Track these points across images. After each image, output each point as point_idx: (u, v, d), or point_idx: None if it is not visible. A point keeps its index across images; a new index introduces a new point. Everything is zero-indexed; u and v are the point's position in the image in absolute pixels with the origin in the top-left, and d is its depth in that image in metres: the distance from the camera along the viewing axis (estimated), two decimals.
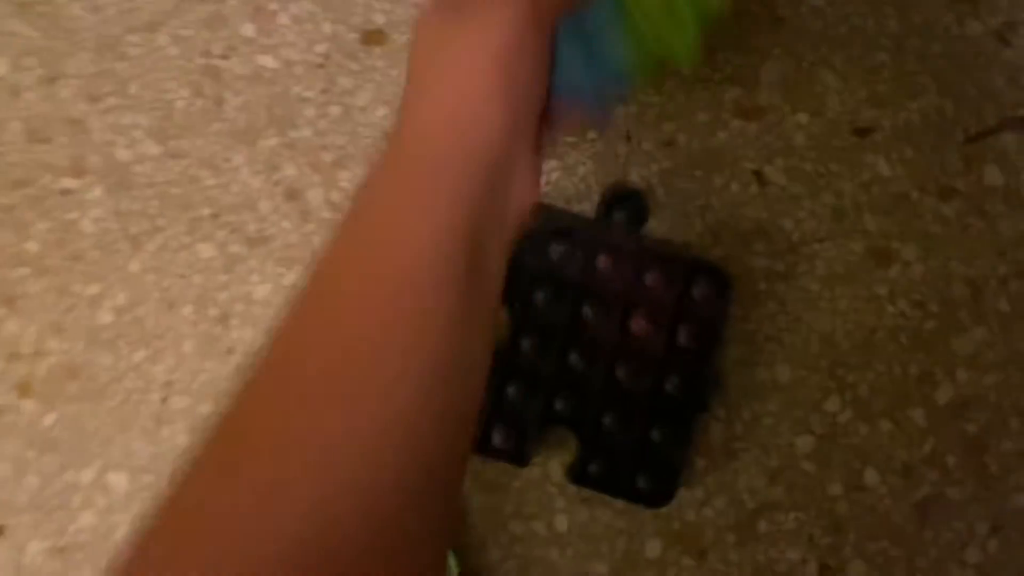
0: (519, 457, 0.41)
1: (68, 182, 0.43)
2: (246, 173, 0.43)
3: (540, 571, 0.42)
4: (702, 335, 0.42)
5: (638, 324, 0.42)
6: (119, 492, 0.42)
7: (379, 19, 0.43)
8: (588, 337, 0.42)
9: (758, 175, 0.44)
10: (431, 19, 0.28)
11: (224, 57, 0.43)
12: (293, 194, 0.43)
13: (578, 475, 0.41)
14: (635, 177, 0.43)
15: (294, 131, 0.43)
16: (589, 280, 0.42)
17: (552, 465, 0.42)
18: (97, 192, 0.43)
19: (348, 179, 0.43)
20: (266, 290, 0.43)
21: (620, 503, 0.42)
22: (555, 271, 0.42)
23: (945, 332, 0.44)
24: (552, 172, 0.43)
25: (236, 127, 0.43)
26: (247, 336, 0.42)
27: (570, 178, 0.43)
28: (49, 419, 0.42)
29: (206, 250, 0.43)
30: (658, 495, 0.42)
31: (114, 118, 0.43)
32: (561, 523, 0.42)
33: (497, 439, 0.41)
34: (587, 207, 0.43)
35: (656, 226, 0.43)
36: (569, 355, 0.42)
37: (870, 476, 0.43)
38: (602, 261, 0.42)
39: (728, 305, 0.42)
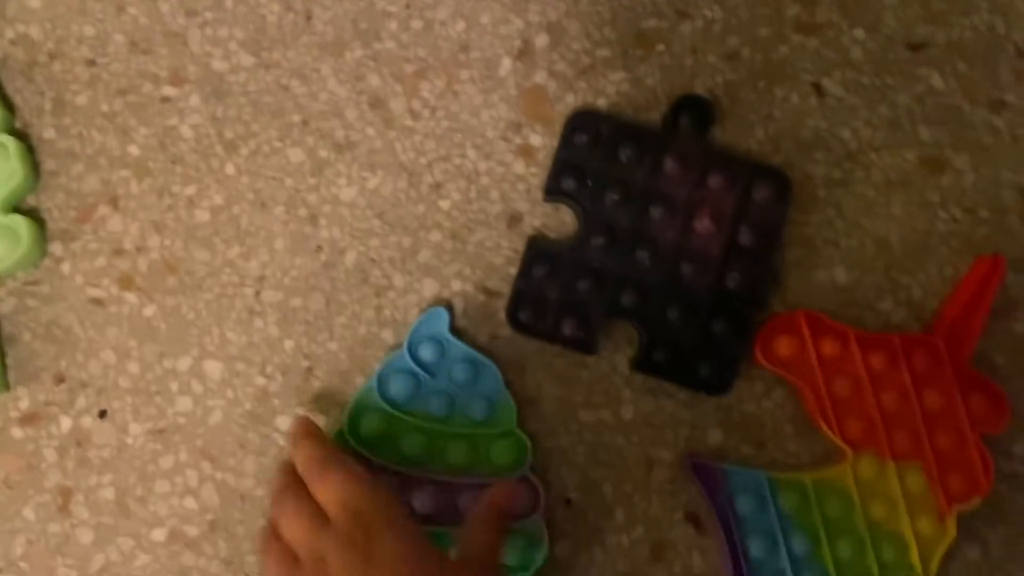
0: (588, 346, 0.44)
1: (168, 90, 0.46)
2: (333, 83, 0.46)
3: (608, 456, 0.44)
4: (762, 235, 0.44)
5: (701, 224, 0.44)
6: (214, 379, 0.45)
7: None
8: (654, 236, 0.44)
9: (817, 87, 0.46)
10: None
11: None
12: (377, 103, 0.46)
13: (643, 364, 0.44)
14: (700, 88, 0.46)
15: (378, 43, 0.46)
16: (655, 183, 0.44)
17: (619, 358, 0.45)
18: (195, 100, 0.46)
19: (428, 89, 0.46)
20: (352, 192, 0.45)
21: (683, 394, 0.45)
22: (624, 174, 0.44)
23: (995, 236, 0.46)
24: (621, 83, 0.46)
25: (324, 40, 0.46)
26: (335, 235, 0.45)
27: (638, 89, 0.46)
28: (149, 310, 0.45)
29: (296, 154, 0.46)
30: (718, 383, 0.44)
31: (211, 31, 0.46)
32: (627, 412, 0.45)
33: (567, 329, 0.44)
34: (655, 116, 0.46)
35: (720, 135, 0.46)
36: (636, 253, 0.44)
37: None
38: (668, 165, 0.44)
39: (787, 207, 0.44)
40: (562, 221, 0.45)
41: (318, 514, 0.35)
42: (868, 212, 0.46)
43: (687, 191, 0.44)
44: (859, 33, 0.46)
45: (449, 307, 0.45)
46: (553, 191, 0.44)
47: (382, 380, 0.44)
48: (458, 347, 0.44)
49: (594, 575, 0.44)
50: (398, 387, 0.43)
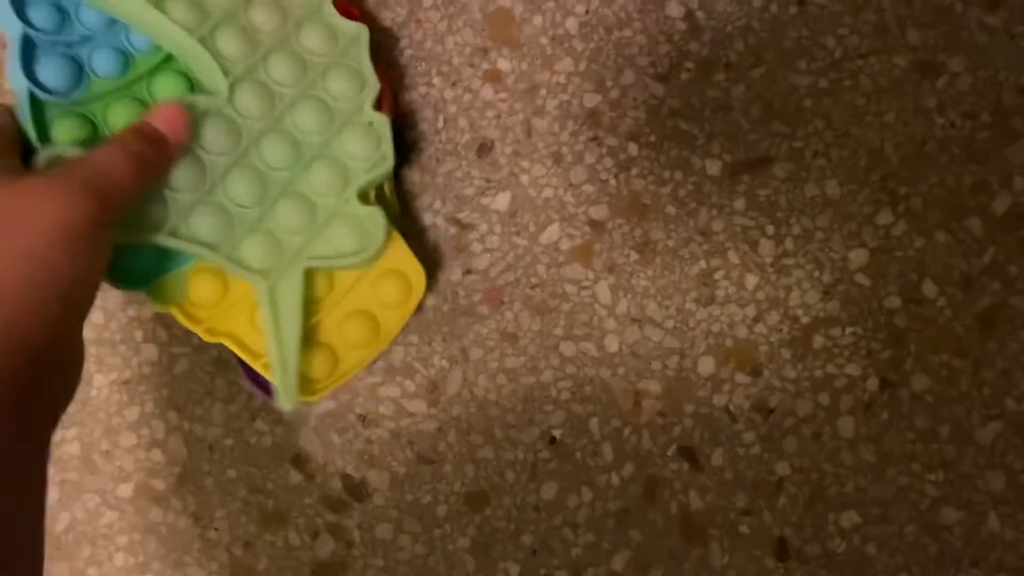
0: None
1: None
2: None
3: (593, 391, 0.42)
4: None
5: None
6: (180, 326, 0.43)
7: None
8: None
9: None
10: None
11: None
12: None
13: None
14: (675, 3, 0.44)
15: None
16: None
17: (600, 287, 0.42)
18: None
19: (391, 18, 0.44)
20: None
21: (670, 322, 0.42)
22: None
23: (998, 141, 0.43)
24: (591, 1, 0.44)
25: None
26: None
27: (609, 7, 0.44)
28: None
29: None
30: None
31: None
32: (612, 343, 0.42)
33: None
34: (627, 33, 0.44)
35: (698, 49, 0.43)
36: None
37: (928, 288, 0.42)
38: None
39: None
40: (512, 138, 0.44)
41: None
42: (859, 122, 0.43)
43: None
44: None
45: None
46: None
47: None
48: None
49: (583, 517, 0.41)
50: (52, 74, 0.35)
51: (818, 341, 0.42)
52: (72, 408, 0.42)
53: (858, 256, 0.42)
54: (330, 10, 0.38)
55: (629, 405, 0.42)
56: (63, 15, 0.35)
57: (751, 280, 0.42)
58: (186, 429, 0.42)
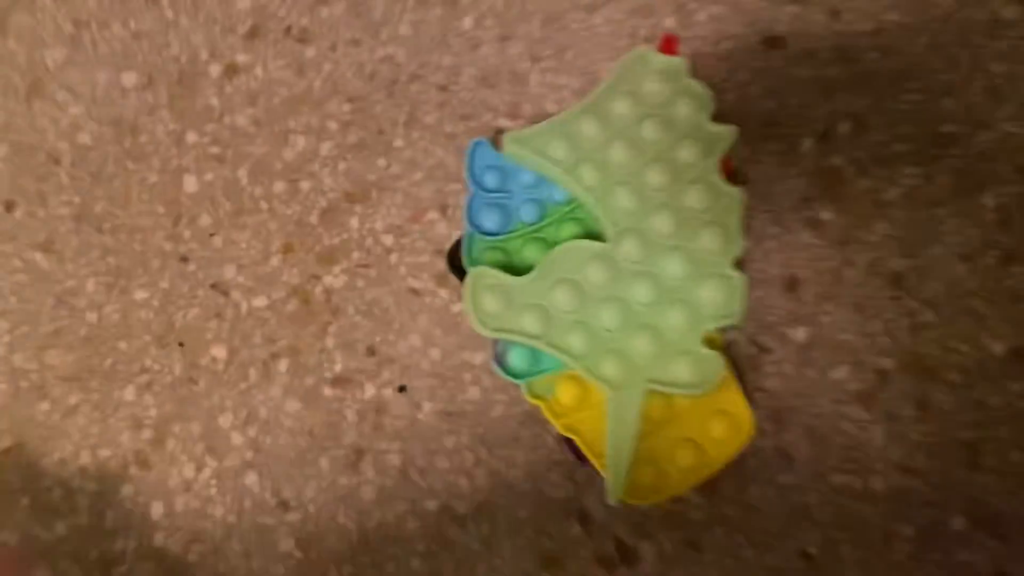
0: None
1: (505, 122, 0.53)
2: None
3: (851, 522, 0.47)
4: None
5: None
6: (502, 380, 0.50)
7: (781, 28, 0.51)
8: None
9: None
10: None
11: (647, 40, 0.52)
12: None
13: None
14: (990, 195, 0.49)
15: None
16: None
17: (876, 431, 0.48)
18: None
19: (736, 156, 0.51)
20: None
21: (935, 477, 0.47)
22: None
23: None
24: (913, 177, 0.49)
25: None
26: None
27: (930, 184, 0.49)
28: (457, 307, 0.51)
29: None
30: None
31: (550, 77, 0.53)
32: (877, 483, 0.47)
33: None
34: (941, 211, 0.49)
35: (1005, 240, 0.48)
36: None
37: None
38: None
39: None
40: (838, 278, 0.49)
41: None
42: None
43: None
44: None
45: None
46: None
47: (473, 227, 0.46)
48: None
49: None
50: (490, 221, 0.46)
51: None
52: (400, 424, 0.50)
53: None
54: (717, 174, 0.45)
55: (880, 541, 0.47)
56: (505, 176, 0.46)
57: (1015, 456, 0.47)
58: (491, 466, 0.50)
